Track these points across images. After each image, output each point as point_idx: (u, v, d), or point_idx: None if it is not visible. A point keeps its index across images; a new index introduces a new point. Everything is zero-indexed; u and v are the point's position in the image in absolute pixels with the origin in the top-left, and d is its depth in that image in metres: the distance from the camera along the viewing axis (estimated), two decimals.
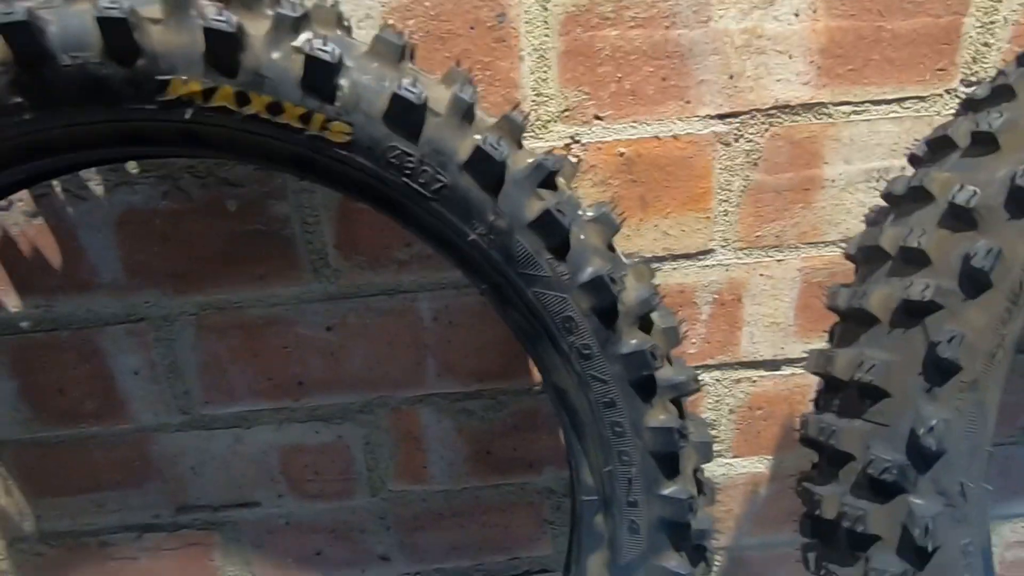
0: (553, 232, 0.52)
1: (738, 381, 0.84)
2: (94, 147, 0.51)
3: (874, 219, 0.63)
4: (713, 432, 0.86)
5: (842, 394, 0.56)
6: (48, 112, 0.48)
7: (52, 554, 0.86)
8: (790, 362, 0.83)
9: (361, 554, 0.91)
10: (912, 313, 0.52)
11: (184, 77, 0.48)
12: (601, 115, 0.67)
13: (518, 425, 0.84)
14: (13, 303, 0.71)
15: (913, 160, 0.62)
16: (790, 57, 0.66)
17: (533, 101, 0.66)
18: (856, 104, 0.69)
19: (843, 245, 0.75)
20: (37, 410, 0.77)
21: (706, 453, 0.60)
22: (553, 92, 0.66)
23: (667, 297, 0.76)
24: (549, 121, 0.67)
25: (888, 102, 0.69)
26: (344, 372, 0.78)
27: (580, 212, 0.55)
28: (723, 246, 0.75)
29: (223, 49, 0.47)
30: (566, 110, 0.67)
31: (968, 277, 0.50)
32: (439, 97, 0.50)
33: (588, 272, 0.53)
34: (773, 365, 0.83)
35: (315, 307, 0.74)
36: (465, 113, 0.50)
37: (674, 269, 0.75)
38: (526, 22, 0.63)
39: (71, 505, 0.83)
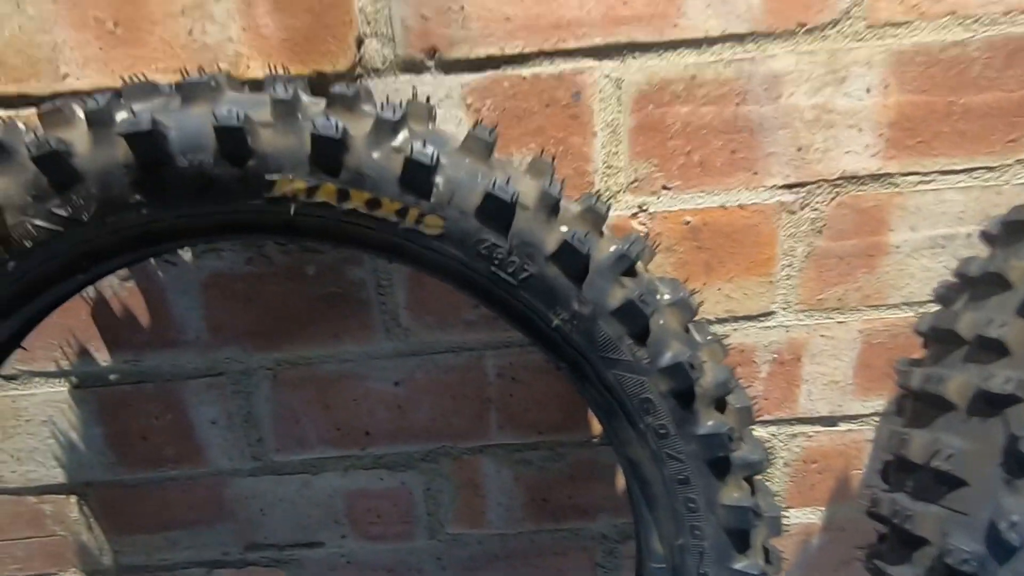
0: (635, 320, 0.54)
1: (794, 436, 0.84)
2: (201, 236, 0.54)
3: (944, 295, 0.64)
4: (767, 485, 0.87)
5: (916, 476, 0.57)
6: (163, 208, 0.51)
7: None
8: (847, 418, 0.83)
9: None
10: (992, 404, 0.52)
11: (290, 176, 0.50)
12: (669, 185, 0.69)
13: (575, 475, 0.85)
14: (103, 358, 0.75)
15: (986, 237, 0.62)
16: (859, 130, 0.67)
17: (604, 173, 0.68)
18: (924, 175, 0.69)
19: (906, 309, 0.76)
20: (121, 455, 0.81)
21: (776, 527, 0.61)
22: (623, 164, 0.68)
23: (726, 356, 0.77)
24: (618, 192, 0.69)
25: (956, 172, 0.69)
26: (409, 423, 0.81)
27: (658, 297, 0.56)
28: (784, 308, 0.76)
29: (328, 151, 0.49)
30: (635, 181, 0.68)
31: None
32: (527, 191, 0.53)
33: (667, 357, 0.54)
34: (830, 421, 0.83)
35: (385, 363, 0.77)
36: (552, 207, 0.52)
37: (735, 330, 0.77)
38: (600, 100, 0.65)
39: (147, 542, 0.88)
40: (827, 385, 0.81)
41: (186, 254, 0.70)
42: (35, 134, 0.49)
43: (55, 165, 0.48)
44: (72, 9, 0.59)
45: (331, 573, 0.92)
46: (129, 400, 0.78)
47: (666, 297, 0.57)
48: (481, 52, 0.62)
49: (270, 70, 0.61)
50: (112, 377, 0.76)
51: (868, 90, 0.65)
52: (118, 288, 0.71)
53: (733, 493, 0.58)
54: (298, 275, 0.72)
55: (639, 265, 0.56)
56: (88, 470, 0.82)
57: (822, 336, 0.78)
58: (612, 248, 0.54)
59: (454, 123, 0.65)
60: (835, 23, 0.63)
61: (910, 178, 0.69)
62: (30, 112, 0.62)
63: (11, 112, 0.62)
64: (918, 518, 0.55)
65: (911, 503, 0.56)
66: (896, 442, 0.58)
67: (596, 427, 0.82)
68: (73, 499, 0.84)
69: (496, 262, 0.53)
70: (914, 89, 0.65)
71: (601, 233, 0.55)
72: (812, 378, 0.80)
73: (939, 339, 0.60)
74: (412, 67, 0.63)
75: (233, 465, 0.83)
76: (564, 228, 0.53)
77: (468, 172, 0.51)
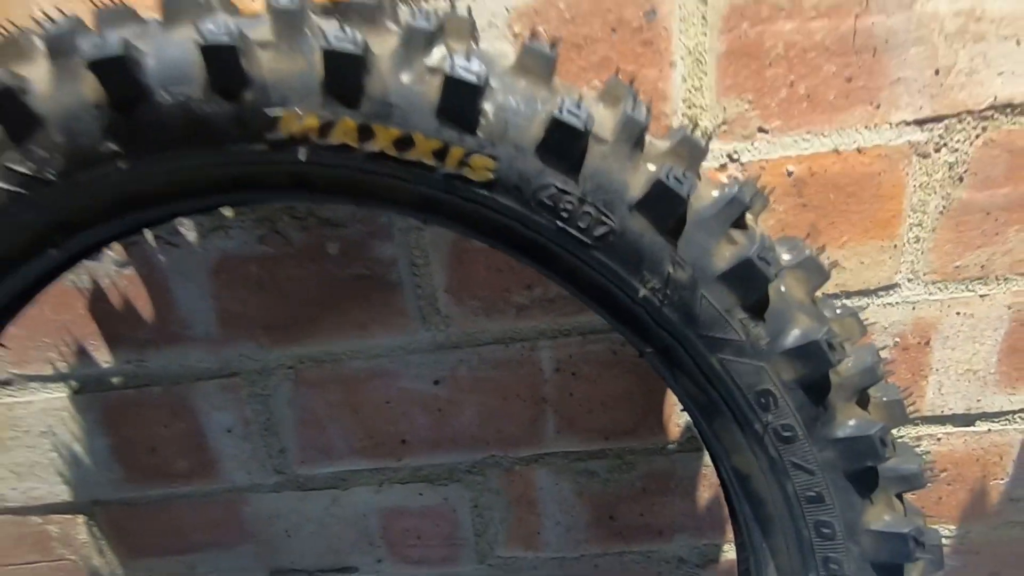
0: (751, 286, 0.40)
1: (919, 438, 0.69)
2: (193, 196, 0.44)
3: None
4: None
5: None
6: (145, 159, 0.41)
7: None
8: (987, 416, 0.67)
9: None
10: None
11: (298, 110, 0.39)
12: (767, 127, 0.55)
13: (648, 488, 0.72)
14: (104, 358, 0.66)
15: None
16: (1018, 43, 0.52)
17: (685, 114, 0.55)
18: None
19: None
20: (128, 469, 0.72)
21: (938, 561, 0.47)
22: (709, 103, 0.55)
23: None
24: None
25: None
26: (452, 429, 0.69)
27: (778, 255, 0.43)
28: (910, 280, 0.61)
29: (345, 74, 0.38)
30: (724, 123, 0.55)
31: None
32: (603, 120, 0.40)
33: (795, 336, 0.41)
34: (965, 420, 0.68)
35: (422, 358, 0.65)
36: (637, 138, 0.40)
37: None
38: (681, 19, 0.52)
39: (162, 566, 0.78)
40: (962, 375, 0.65)
41: (190, 234, 0.60)
42: None
43: (8, 106, 0.38)
44: None
45: None
46: (134, 406, 0.68)
47: (787, 257, 0.44)
48: None
49: None
50: (115, 380, 0.67)
51: None
52: (115, 276, 0.62)
53: (884, 516, 0.44)
54: (319, 255, 0.61)
55: (749, 219, 0.43)
56: (95, 486, 0.72)
57: (958, 314, 0.62)
58: (716, 193, 0.41)
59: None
60: None
61: None
62: None
63: None
64: None
65: None
66: None
67: (673, 431, 0.69)
68: (81, 519, 0.75)
69: (564, 214, 0.40)
70: None
71: (699, 175, 0.42)
72: (944, 367, 0.65)
73: None
74: None
75: (252, 480, 0.72)
76: (653, 167, 0.40)
77: (525, 97, 0.39)
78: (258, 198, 0.49)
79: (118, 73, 0.38)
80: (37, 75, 0.39)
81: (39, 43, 0.40)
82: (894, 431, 0.45)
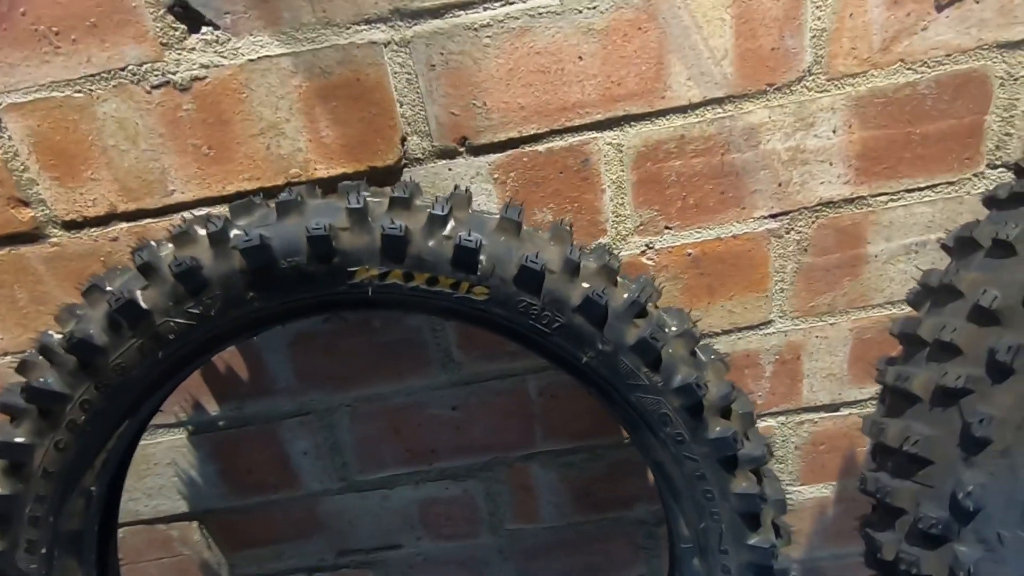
0: (648, 352, 0.66)
1: (801, 423, 0.96)
2: (299, 316, 0.69)
3: (914, 300, 0.74)
4: (781, 467, 0.99)
5: (893, 458, 0.68)
6: (272, 299, 0.66)
7: None
8: (847, 404, 0.95)
9: None
10: (949, 395, 0.64)
11: (366, 266, 0.64)
12: (670, 225, 0.81)
13: (613, 472, 0.99)
14: (212, 408, 0.91)
15: (945, 249, 0.73)
16: (831, 164, 0.78)
17: (614, 220, 0.80)
18: (892, 194, 0.80)
19: (889, 308, 0.87)
20: (231, 486, 0.97)
21: (781, 507, 0.74)
22: (629, 212, 0.80)
23: (735, 360, 0.89)
24: (627, 235, 0.81)
25: (921, 189, 0.79)
26: (468, 440, 0.95)
27: (667, 331, 0.69)
28: (781, 317, 0.87)
29: (394, 246, 0.63)
30: (641, 225, 0.81)
31: (994, 367, 0.62)
32: (552, 258, 0.66)
33: (678, 380, 0.67)
34: (832, 408, 0.95)
35: (442, 392, 0.91)
36: (574, 269, 0.65)
37: (739, 339, 0.88)
38: (605, 163, 0.77)
39: (257, 555, 1.04)
40: (826, 378, 0.92)
41: None
42: (173, 255, 0.64)
43: (190, 277, 0.63)
44: (175, 140, 0.73)
45: (411, 571, 1.07)
46: (236, 441, 0.93)
47: (673, 329, 0.70)
48: (503, 136, 0.75)
49: (337, 175, 0.75)
50: (221, 423, 0.92)
51: (835, 130, 0.76)
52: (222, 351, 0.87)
53: (742, 483, 0.70)
54: (367, 328, 0.86)
55: (649, 306, 0.69)
56: (206, 500, 0.98)
57: (817, 336, 0.89)
58: (625, 295, 0.67)
59: (485, 195, 0.78)
60: (800, 79, 0.73)
61: (880, 198, 0.80)
62: (146, 223, 0.77)
63: (132, 224, 0.77)
64: (896, 493, 0.66)
65: (890, 480, 0.68)
66: (876, 430, 0.70)
67: (625, 432, 0.95)
68: (195, 524, 1.01)
69: (533, 316, 0.66)
70: (875, 125, 0.76)
71: (615, 283, 0.68)
72: (812, 373, 0.92)
73: (908, 341, 0.71)
74: (446, 154, 0.76)
75: (323, 487, 0.98)
76: (585, 284, 0.65)
77: (505, 248, 0.64)
78: (339, 313, 0.74)
79: (257, 254, 0.63)
80: (203, 255, 0.64)
81: (202, 232, 0.65)
82: (749, 429, 0.72)
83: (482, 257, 0.64)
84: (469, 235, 0.63)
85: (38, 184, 0.75)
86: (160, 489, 0.97)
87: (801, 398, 0.94)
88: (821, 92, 0.74)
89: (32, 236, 0.78)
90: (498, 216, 0.66)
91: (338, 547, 1.04)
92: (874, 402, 0.94)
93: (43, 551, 0.72)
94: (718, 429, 0.69)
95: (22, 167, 0.74)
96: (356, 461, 0.96)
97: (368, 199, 0.65)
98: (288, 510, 1.00)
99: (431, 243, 0.64)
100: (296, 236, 0.63)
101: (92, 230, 0.78)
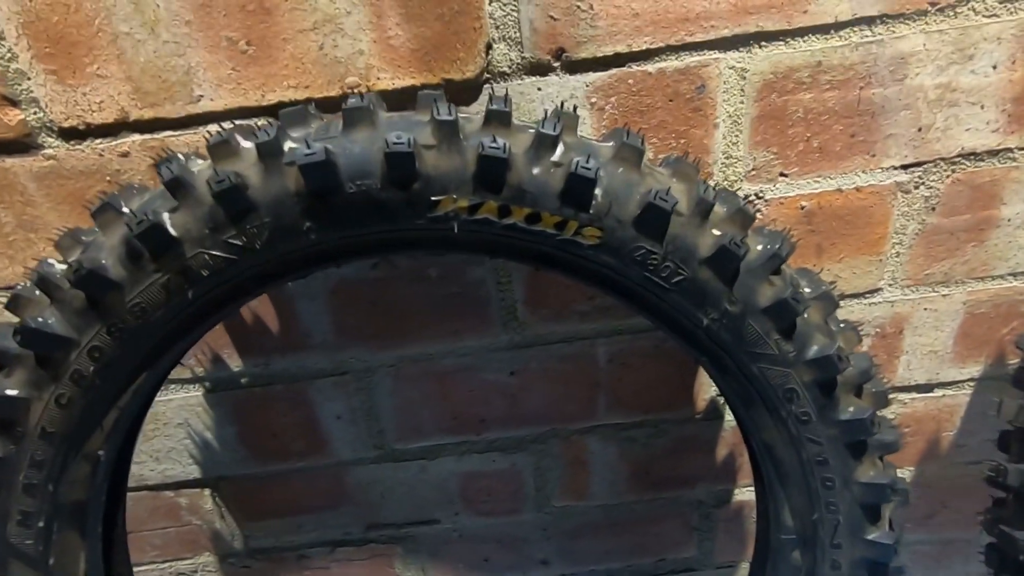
0: (785, 317, 0.55)
1: (890, 404, 0.87)
2: (364, 254, 0.56)
3: None
4: None
5: None
6: (332, 232, 0.53)
7: (257, 566, 0.97)
8: (943, 385, 0.86)
9: (524, 560, 1.00)
10: None
11: (454, 196, 0.52)
12: (787, 172, 0.69)
13: (677, 449, 0.90)
14: (235, 363, 0.78)
15: None
16: (982, 107, 0.67)
17: (723, 163, 0.68)
18: None
19: (1011, 279, 0.77)
20: (252, 450, 0.86)
21: (905, 499, 0.65)
22: (742, 154, 0.68)
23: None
24: (736, 181, 0.69)
25: None
26: (522, 410, 0.85)
27: (803, 291, 0.58)
28: (891, 285, 0.77)
29: (492, 171, 0.51)
30: (753, 169, 0.69)
31: None
32: (680, 197, 0.54)
33: (814, 350, 0.57)
34: (926, 388, 0.86)
35: (501, 355, 0.80)
36: (706, 212, 0.54)
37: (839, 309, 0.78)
38: (724, 91, 0.64)
39: (275, 526, 0.94)
40: (926, 355, 0.83)
41: None
42: (213, 169, 0.50)
43: (233, 199, 0.50)
44: (206, 31, 0.59)
45: (444, 547, 0.98)
46: (259, 401, 0.81)
47: (808, 291, 0.59)
48: (608, 50, 0.62)
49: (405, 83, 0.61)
50: (243, 380, 0.80)
51: (995, 66, 0.64)
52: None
53: (869, 471, 0.61)
54: (421, 278, 0.74)
55: (785, 263, 0.58)
56: (221, 466, 0.87)
57: (926, 309, 0.79)
58: (761, 248, 0.55)
59: None
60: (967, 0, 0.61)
61: None
62: (165, 135, 0.63)
63: (147, 136, 0.63)
64: None
65: None
66: (1022, 415, 0.61)
67: (700, 405, 0.86)
68: (207, 492, 0.90)
69: (650, 268, 0.54)
70: None
71: (747, 233, 0.57)
72: (912, 349, 0.83)
73: None
74: (538, 69, 0.63)
75: (356, 455, 0.87)
76: (717, 232, 0.54)
77: (625, 183, 0.52)
78: (413, 254, 0.62)
79: (320, 173, 0.50)
80: (250, 171, 0.51)
81: (247, 144, 0.51)
82: (879, 412, 0.62)
83: (598, 191, 0.52)
84: (587, 162, 0.51)
85: (29, 78, 0.60)
86: (169, 452, 0.85)
87: (896, 376, 0.84)
88: (990, 17, 0.62)
89: (21, 145, 0.63)
90: (614, 143, 0.54)
91: (367, 520, 0.94)
92: (972, 384, 0.86)
93: (40, 524, 0.60)
94: (851, 409, 0.59)
95: (8, 54, 0.59)
96: (394, 428, 0.85)
97: (458, 111, 0.52)
98: (314, 479, 0.89)
99: (537, 170, 0.51)
100: (368, 153, 0.50)
101: (97, 141, 0.63)
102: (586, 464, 0.91)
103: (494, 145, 0.50)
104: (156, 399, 0.79)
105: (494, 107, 0.52)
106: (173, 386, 0.80)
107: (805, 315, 0.57)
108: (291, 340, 0.77)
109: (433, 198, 0.52)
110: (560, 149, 0.52)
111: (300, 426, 0.84)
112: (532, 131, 0.52)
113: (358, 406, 0.83)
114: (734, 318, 0.56)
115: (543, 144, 0.51)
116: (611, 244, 0.54)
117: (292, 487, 0.90)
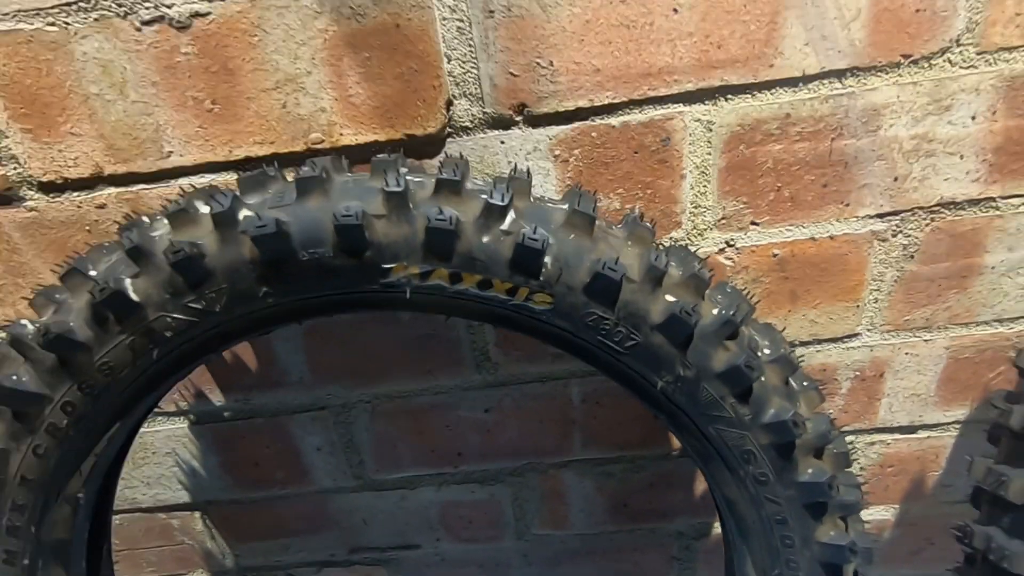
0: (739, 382, 0.55)
1: (872, 443, 0.86)
2: (320, 314, 0.57)
3: None
4: None
5: (1014, 515, 0.58)
6: (287, 296, 0.54)
7: None
8: (927, 427, 0.84)
9: None
10: None
11: (405, 263, 0.53)
12: (758, 221, 0.68)
13: (655, 483, 0.90)
14: (217, 399, 0.81)
15: None
16: (961, 157, 0.64)
17: (691, 212, 0.68)
18: None
19: (997, 325, 0.75)
20: (236, 478, 0.89)
21: (868, 557, 0.64)
22: (711, 203, 0.67)
23: (808, 373, 0.78)
24: (706, 229, 0.69)
25: None
26: (498, 444, 0.86)
27: (759, 354, 0.57)
28: (869, 330, 0.76)
29: (441, 240, 0.51)
30: (723, 218, 0.68)
31: None
32: (632, 263, 0.53)
33: (770, 414, 0.56)
34: (909, 430, 0.85)
35: (475, 394, 0.81)
36: (658, 280, 0.53)
37: (817, 352, 0.77)
38: (690, 143, 0.64)
39: (263, 547, 0.97)
40: (908, 398, 0.82)
41: None
42: (170, 240, 0.52)
43: (190, 268, 0.52)
44: (172, 91, 0.60)
45: (427, 570, 1.00)
46: (242, 433, 0.84)
47: (767, 352, 0.58)
48: (570, 105, 0.61)
49: (368, 143, 0.62)
50: (226, 414, 0.82)
51: (974, 117, 0.62)
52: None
53: (829, 532, 0.61)
54: (393, 320, 0.75)
55: (744, 325, 0.57)
56: (208, 491, 0.90)
57: (907, 353, 0.78)
58: (714, 312, 0.55)
59: (542, 175, 0.65)
60: (944, 51, 0.59)
61: (1013, 200, 0.67)
62: (139, 189, 0.65)
63: (122, 189, 0.65)
64: (1015, 558, 0.57)
65: (1007, 541, 0.58)
66: (994, 481, 0.60)
67: (675, 442, 0.86)
68: (197, 514, 0.93)
69: (603, 332, 0.55)
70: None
71: (703, 297, 0.56)
72: (894, 392, 0.81)
73: None
74: (500, 124, 0.63)
75: (336, 484, 0.90)
76: (670, 297, 0.54)
77: (575, 249, 0.52)
78: (369, 313, 0.62)
79: (272, 243, 0.51)
80: (207, 239, 0.52)
81: (205, 212, 0.53)
82: (840, 472, 0.62)
83: (547, 259, 0.52)
84: (534, 232, 0.51)
85: (7, 136, 0.62)
86: (159, 478, 0.88)
87: (876, 417, 0.83)
88: (967, 68, 0.60)
89: (4, 198, 0.65)
90: (566, 208, 0.54)
91: (350, 544, 0.97)
92: (957, 426, 0.84)
93: (25, 562, 0.63)
94: (810, 472, 0.58)
95: None
96: (373, 460, 0.87)
97: (409, 180, 0.53)
98: (297, 505, 0.92)
99: (486, 239, 0.52)
100: (320, 223, 0.51)
101: (75, 194, 0.66)
102: (564, 496, 0.92)
103: (440, 217, 0.50)
104: (144, 430, 0.83)
105: (444, 176, 0.52)
106: (160, 418, 0.83)
107: (762, 379, 0.56)
108: (270, 378, 0.79)
109: (385, 265, 0.52)
110: (510, 217, 0.52)
111: (282, 456, 0.86)
112: (484, 198, 0.52)
113: (337, 439, 0.85)
114: (688, 382, 0.56)
115: (492, 214, 0.51)
116: (563, 309, 0.54)
117: (277, 512, 0.93)
